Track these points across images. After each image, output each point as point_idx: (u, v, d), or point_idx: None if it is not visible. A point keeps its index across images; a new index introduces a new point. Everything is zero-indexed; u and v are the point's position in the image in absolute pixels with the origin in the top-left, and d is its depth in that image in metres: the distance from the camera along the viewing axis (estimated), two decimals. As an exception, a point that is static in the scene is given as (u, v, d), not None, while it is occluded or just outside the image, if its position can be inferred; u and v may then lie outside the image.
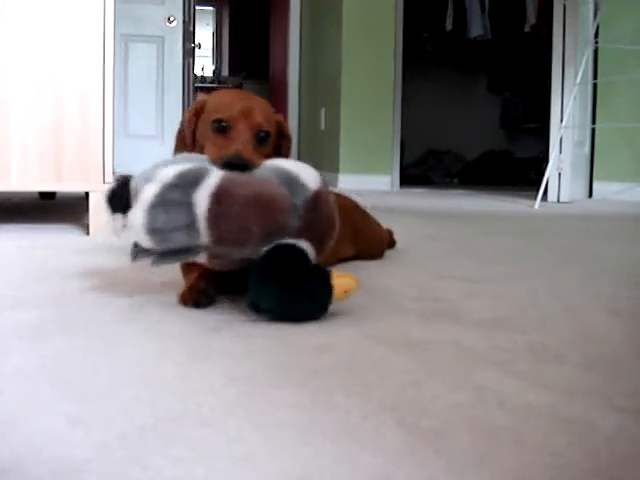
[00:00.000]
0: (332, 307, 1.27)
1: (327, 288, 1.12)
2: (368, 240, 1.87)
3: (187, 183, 1.11)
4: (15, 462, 0.60)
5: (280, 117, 1.41)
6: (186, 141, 1.37)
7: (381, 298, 1.39)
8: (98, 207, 2.27)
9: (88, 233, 2.27)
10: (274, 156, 1.34)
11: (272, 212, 1.10)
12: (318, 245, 1.18)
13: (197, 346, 0.99)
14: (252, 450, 0.64)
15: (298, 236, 1.14)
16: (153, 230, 1.09)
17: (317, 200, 1.16)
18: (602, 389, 0.85)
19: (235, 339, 1.02)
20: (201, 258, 1.17)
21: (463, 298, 1.41)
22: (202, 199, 1.08)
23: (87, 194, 2.34)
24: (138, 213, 1.10)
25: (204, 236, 1.08)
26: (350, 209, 1.84)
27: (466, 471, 0.61)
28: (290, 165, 1.21)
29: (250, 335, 1.04)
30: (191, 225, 1.08)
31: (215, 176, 1.12)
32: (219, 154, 1.24)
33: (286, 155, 1.41)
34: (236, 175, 1.14)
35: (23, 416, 0.71)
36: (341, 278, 1.15)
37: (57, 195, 3.71)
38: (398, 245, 2.12)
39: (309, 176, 1.19)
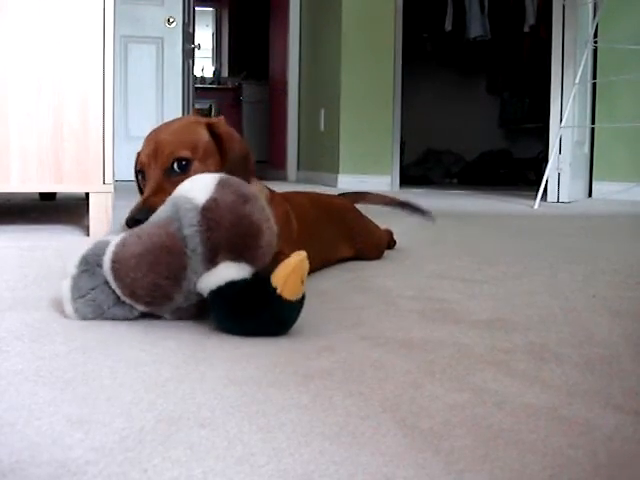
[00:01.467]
0: (330, 308, 1.28)
1: (288, 307, 1.05)
2: (366, 240, 1.87)
3: (92, 266, 1.10)
4: (15, 464, 0.61)
5: (212, 120, 1.36)
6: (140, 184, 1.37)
7: (380, 298, 1.39)
8: (98, 208, 2.28)
9: (88, 234, 2.27)
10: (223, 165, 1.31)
11: (163, 259, 1.05)
12: (247, 254, 1.08)
13: (196, 348, 0.99)
14: (252, 451, 0.64)
15: (213, 259, 1.06)
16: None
17: (208, 213, 1.06)
18: (601, 389, 0.85)
19: (233, 341, 1.02)
20: (168, 317, 1.14)
21: (463, 298, 1.41)
22: (106, 271, 1.07)
23: (87, 195, 2.34)
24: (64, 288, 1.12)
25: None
26: (343, 210, 1.84)
27: (466, 472, 0.61)
28: (182, 188, 1.12)
29: (248, 338, 1.04)
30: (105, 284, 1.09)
31: (112, 244, 1.09)
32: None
33: (232, 152, 1.33)
34: (128, 236, 1.09)
35: (23, 418, 0.71)
36: (290, 277, 1.03)
37: (57, 196, 3.71)
38: (398, 245, 2.12)
39: (196, 192, 1.08)
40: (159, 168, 1.26)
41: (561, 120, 4.47)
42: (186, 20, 6.20)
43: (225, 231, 1.06)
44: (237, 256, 1.07)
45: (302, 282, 1.05)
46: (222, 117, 1.40)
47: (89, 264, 1.10)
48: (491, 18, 7.24)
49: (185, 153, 1.27)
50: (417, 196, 5.15)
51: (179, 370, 0.88)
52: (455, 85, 8.25)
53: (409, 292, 1.46)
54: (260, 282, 1.04)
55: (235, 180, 1.14)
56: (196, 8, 7.13)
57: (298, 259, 1.03)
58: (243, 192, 1.11)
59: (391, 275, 1.67)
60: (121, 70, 5.80)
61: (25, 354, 0.94)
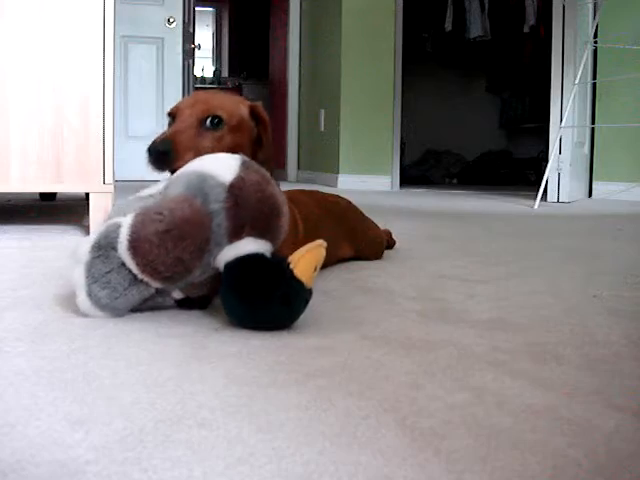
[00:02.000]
0: (331, 308, 1.28)
1: (297, 285, 1.07)
2: (366, 240, 1.87)
3: (106, 250, 1.10)
4: (15, 464, 0.61)
5: (256, 103, 1.39)
6: None
7: (380, 298, 1.39)
8: (98, 208, 2.28)
9: (88, 234, 2.27)
10: (254, 145, 1.37)
11: (189, 234, 1.06)
12: (269, 233, 1.12)
13: (196, 347, 0.99)
14: (252, 451, 0.64)
15: (237, 234, 1.08)
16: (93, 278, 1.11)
17: (236, 190, 1.09)
18: (602, 389, 0.85)
19: (234, 340, 1.02)
20: (176, 294, 1.16)
21: (463, 298, 1.41)
22: (122, 252, 1.07)
23: (87, 195, 2.34)
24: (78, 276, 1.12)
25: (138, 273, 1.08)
26: (344, 210, 1.84)
27: (466, 472, 0.61)
28: (203, 165, 1.14)
29: (249, 337, 1.04)
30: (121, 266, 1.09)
31: (125, 224, 1.09)
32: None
33: (267, 139, 1.38)
34: (144, 214, 1.09)
35: (23, 417, 0.71)
36: (304, 257, 1.09)
37: (57, 196, 3.72)
38: (398, 245, 2.12)
39: (222, 170, 1.11)
40: (194, 115, 1.27)
41: (561, 120, 4.47)
42: (186, 20, 6.20)
43: (251, 209, 1.09)
44: (260, 233, 1.10)
45: (315, 269, 1.09)
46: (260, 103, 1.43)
47: (102, 248, 1.10)
48: (491, 18, 7.24)
49: (221, 113, 1.28)
50: (417, 196, 5.15)
51: (179, 370, 0.88)
52: (455, 85, 8.25)
53: (410, 292, 1.46)
54: (277, 260, 1.09)
55: (255, 163, 1.17)
56: (196, 8, 7.13)
57: (316, 244, 1.09)
58: (265, 174, 1.15)
59: (392, 275, 1.67)
60: (121, 70, 5.80)
61: (26, 354, 0.94)
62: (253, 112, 1.37)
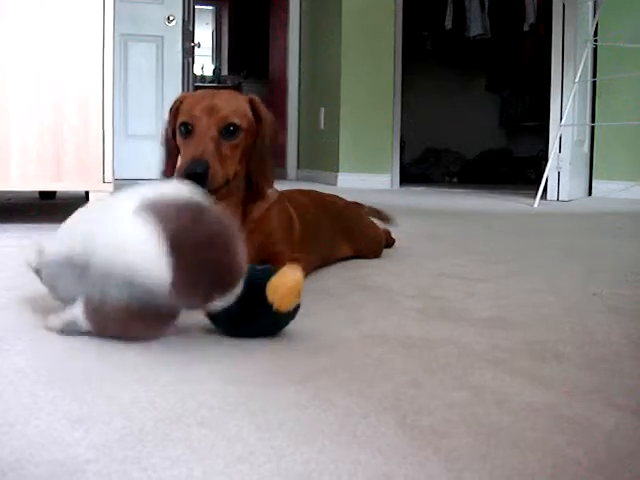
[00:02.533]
0: (331, 306, 1.28)
1: (280, 318, 1.02)
2: (364, 238, 1.88)
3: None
4: (15, 463, 0.60)
5: (254, 97, 1.39)
6: (168, 135, 1.39)
7: (380, 296, 1.39)
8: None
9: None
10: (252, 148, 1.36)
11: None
12: (231, 286, 0.94)
13: (195, 347, 0.99)
14: (252, 450, 0.64)
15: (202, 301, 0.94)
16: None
17: (177, 285, 0.90)
18: (602, 388, 0.85)
19: (233, 341, 1.02)
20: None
21: (463, 297, 1.41)
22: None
23: (87, 193, 2.34)
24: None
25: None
26: (342, 209, 1.84)
27: (465, 470, 0.61)
28: (127, 263, 0.92)
29: (246, 337, 1.04)
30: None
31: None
32: (182, 162, 1.27)
33: (263, 135, 1.37)
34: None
35: (23, 416, 0.71)
36: (283, 293, 0.99)
37: (57, 195, 3.71)
38: (398, 243, 2.12)
39: (150, 264, 0.90)
40: (215, 126, 1.27)
41: (561, 119, 4.47)
42: (186, 18, 6.19)
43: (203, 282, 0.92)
44: (223, 292, 0.93)
45: (298, 295, 1.02)
46: (256, 97, 1.41)
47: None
48: (491, 16, 7.23)
49: (238, 120, 1.30)
50: (416, 194, 5.14)
51: (178, 370, 0.88)
52: (455, 83, 8.24)
53: (409, 291, 1.46)
54: (256, 291, 0.99)
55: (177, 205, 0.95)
56: (196, 6, 7.12)
57: (294, 277, 1.00)
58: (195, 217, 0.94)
59: (391, 274, 1.67)
60: (121, 68, 5.79)
61: (25, 353, 0.94)
62: (252, 107, 1.37)
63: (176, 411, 0.73)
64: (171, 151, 1.39)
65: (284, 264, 1.34)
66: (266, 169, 1.39)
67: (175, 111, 1.36)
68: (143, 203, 0.92)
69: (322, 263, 1.68)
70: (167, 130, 1.40)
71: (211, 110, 1.29)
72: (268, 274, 1.01)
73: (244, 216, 1.39)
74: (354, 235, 1.84)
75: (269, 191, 1.44)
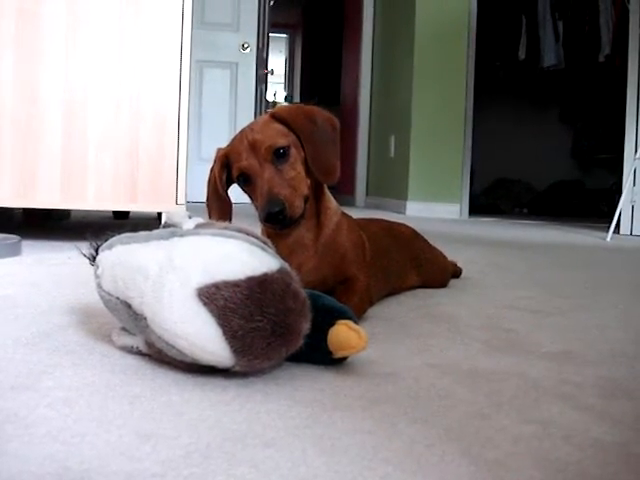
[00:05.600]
0: (398, 335, 1.27)
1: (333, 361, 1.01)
2: (432, 268, 1.86)
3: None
4: (84, 472, 0.62)
5: (274, 111, 1.36)
6: (219, 192, 1.35)
7: (447, 326, 1.38)
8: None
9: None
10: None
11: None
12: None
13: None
14: (315, 473, 0.65)
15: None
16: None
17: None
18: (674, 428, 0.83)
19: (298, 365, 1.02)
20: None
21: (531, 329, 1.39)
22: None
23: (159, 215, 2.39)
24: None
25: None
26: (411, 238, 1.84)
27: (531, 505, 0.60)
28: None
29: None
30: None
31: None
32: (258, 211, 1.27)
33: (302, 128, 1.32)
34: None
35: (93, 428, 0.73)
36: (345, 345, 0.98)
37: (130, 214, 3.80)
38: (465, 273, 2.10)
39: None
40: (266, 162, 1.27)
41: (636, 151, 4.38)
42: (260, 46, 6.30)
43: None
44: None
45: (342, 351, 1.00)
46: (275, 109, 1.39)
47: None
48: (565, 47, 7.16)
49: (282, 141, 1.28)
50: (486, 225, 5.09)
51: (245, 389, 0.89)
52: (528, 114, 8.17)
53: (477, 321, 1.45)
54: (318, 334, 0.98)
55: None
56: (270, 34, 7.24)
57: (359, 344, 0.97)
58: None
59: (459, 304, 1.66)
60: (196, 93, 5.92)
61: (96, 367, 0.96)
62: (278, 120, 1.33)
63: (242, 430, 0.74)
64: (223, 205, 1.37)
65: (356, 294, 1.36)
66: (325, 159, 1.33)
67: (224, 164, 1.34)
68: (205, 284, 0.87)
69: (390, 291, 1.68)
70: (216, 185, 1.35)
71: (254, 148, 1.28)
72: (334, 314, 1.01)
73: (318, 232, 1.38)
74: (422, 264, 1.83)
75: (331, 205, 1.42)
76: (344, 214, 1.47)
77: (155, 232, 1.03)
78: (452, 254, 2.07)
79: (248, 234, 0.97)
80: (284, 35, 11.61)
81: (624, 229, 4.54)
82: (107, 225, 3.42)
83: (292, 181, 1.28)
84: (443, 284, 1.90)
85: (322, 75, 10.98)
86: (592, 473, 0.68)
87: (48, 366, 0.95)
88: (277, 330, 0.88)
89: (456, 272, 2.06)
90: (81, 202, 2.37)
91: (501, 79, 7.56)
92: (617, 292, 2.02)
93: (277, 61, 11.26)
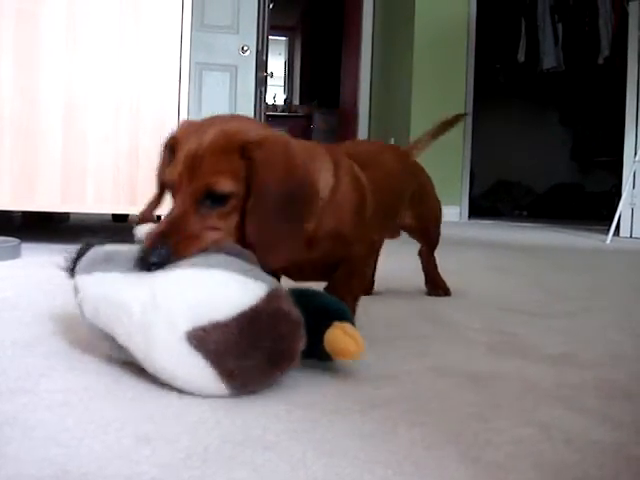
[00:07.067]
0: (397, 337, 1.27)
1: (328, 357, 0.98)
2: (428, 213, 1.81)
3: None
4: (83, 477, 0.62)
5: (253, 137, 0.99)
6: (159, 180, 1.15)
7: (447, 329, 1.38)
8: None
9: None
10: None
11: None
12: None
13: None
14: (315, 476, 0.64)
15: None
16: None
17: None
18: (674, 430, 0.82)
19: (297, 368, 1.02)
20: None
21: (530, 332, 1.39)
22: None
23: (159, 217, 2.39)
24: None
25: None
26: (413, 172, 1.74)
27: (531, 507, 0.60)
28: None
29: (313, 364, 1.04)
30: None
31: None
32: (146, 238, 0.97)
33: (261, 192, 0.97)
34: None
35: (92, 432, 0.73)
36: (341, 339, 0.95)
37: (129, 218, 3.80)
38: (465, 276, 2.09)
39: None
40: (192, 197, 0.97)
41: (635, 154, 4.38)
42: (260, 48, 6.30)
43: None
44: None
45: (337, 354, 0.97)
46: (277, 134, 1.05)
47: None
48: (565, 49, 7.16)
49: (225, 187, 0.97)
50: (486, 227, 5.09)
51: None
52: (527, 116, 8.18)
53: (476, 324, 1.45)
54: (314, 335, 0.94)
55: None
56: (269, 37, 7.24)
57: (356, 350, 0.95)
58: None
59: (458, 306, 1.66)
60: (195, 96, 5.92)
61: (95, 370, 0.96)
62: (245, 154, 0.98)
63: (241, 434, 0.74)
64: (157, 195, 1.18)
65: (354, 275, 1.23)
66: (270, 238, 0.99)
67: (170, 148, 1.07)
68: (193, 327, 0.83)
69: (389, 236, 1.64)
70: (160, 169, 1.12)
71: (191, 165, 0.98)
72: (330, 315, 0.99)
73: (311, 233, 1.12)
74: (417, 205, 1.70)
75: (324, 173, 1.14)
76: (338, 176, 1.18)
77: (133, 253, 0.97)
78: (452, 256, 2.07)
79: (229, 253, 0.93)
80: (283, 38, 11.60)
81: (624, 231, 4.54)
82: (106, 228, 3.42)
83: (206, 232, 0.97)
84: (432, 239, 1.85)
85: (321, 78, 10.99)
86: (592, 475, 0.68)
87: (47, 369, 0.95)
88: (273, 359, 0.86)
89: (446, 291, 1.83)
90: (80, 205, 2.37)
91: (501, 81, 7.57)
92: (617, 294, 2.02)
93: (276, 64, 11.26)
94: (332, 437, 0.74)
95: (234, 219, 0.99)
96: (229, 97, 6.13)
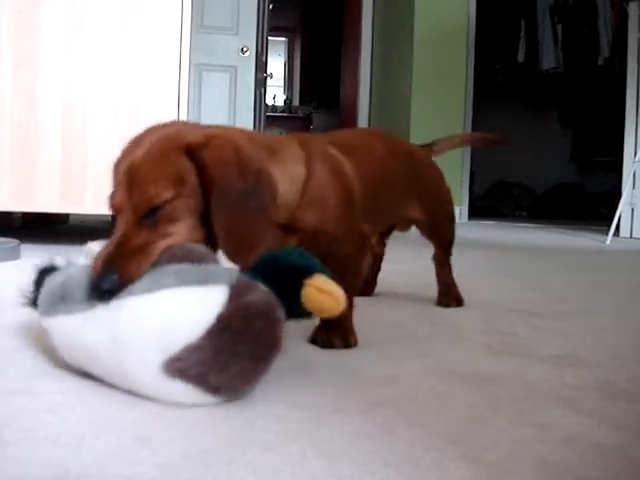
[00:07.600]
0: (398, 338, 1.27)
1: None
2: (437, 206, 1.67)
3: None
4: (83, 477, 0.62)
5: (197, 138, 0.96)
6: None
7: (447, 330, 1.38)
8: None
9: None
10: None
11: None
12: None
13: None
14: (314, 477, 0.64)
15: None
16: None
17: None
18: (674, 430, 0.82)
19: (297, 368, 1.02)
20: None
21: (531, 332, 1.39)
22: None
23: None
24: None
25: None
26: (418, 163, 1.68)
27: (531, 508, 0.60)
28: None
29: (313, 364, 1.04)
30: None
31: None
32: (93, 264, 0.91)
33: (221, 192, 0.93)
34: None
35: (93, 432, 0.73)
36: (317, 298, 0.89)
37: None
38: (465, 277, 2.09)
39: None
40: (131, 213, 0.92)
41: (635, 154, 4.38)
42: (259, 49, 6.30)
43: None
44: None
45: (318, 310, 0.92)
46: (225, 130, 1.03)
47: None
48: (564, 50, 7.16)
49: (165, 195, 0.91)
50: (486, 228, 5.09)
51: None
52: (527, 117, 8.17)
53: (477, 325, 1.45)
54: (293, 304, 0.91)
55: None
56: (269, 38, 7.24)
57: (334, 306, 0.90)
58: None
59: (459, 308, 1.66)
60: (195, 97, 5.91)
61: (95, 371, 0.96)
62: (193, 155, 0.95)
63: (241, 434, 0.74)
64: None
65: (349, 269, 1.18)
66: (241, 235, 0.95)
67: None
68: (166, 359, 0.81)
69: (389, 225, 1.57)
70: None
71: (129, 182, 0.93)
72: (300, 274, 0.91)
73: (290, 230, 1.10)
74: (425, 196, 1.60)
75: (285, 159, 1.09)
76: (312, 166, 1.12)
77: (86, 277, 0.92)
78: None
79: (181, 260, 0.88)
80: (283, 39, 11.60)
81: (624, 232, 4.54)
82: (105, 229, 3.42)
83: (153, 245, 0.90)
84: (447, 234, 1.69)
85: (321, 78, 10.99)
86: (592, 476, 0.68)
87: (47, 370, 0.95)
88: (256, 356, 0.83)
89: (459, 302, 1.70)
90: (80, 206, 2.37)
91: (500, 82, 7.57)
92: (617, 295, 2.02)
93: (276, 65, 11.25)
94: (332, 438, 0.74)
95: (188, 219, 0.93)
96: (229, 98, 6.13)
